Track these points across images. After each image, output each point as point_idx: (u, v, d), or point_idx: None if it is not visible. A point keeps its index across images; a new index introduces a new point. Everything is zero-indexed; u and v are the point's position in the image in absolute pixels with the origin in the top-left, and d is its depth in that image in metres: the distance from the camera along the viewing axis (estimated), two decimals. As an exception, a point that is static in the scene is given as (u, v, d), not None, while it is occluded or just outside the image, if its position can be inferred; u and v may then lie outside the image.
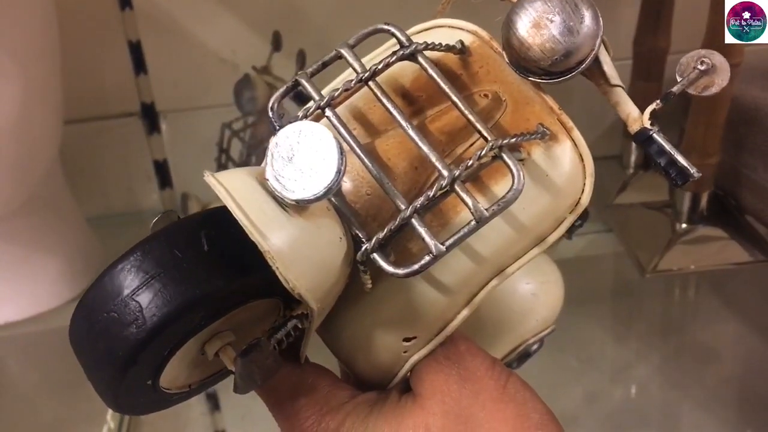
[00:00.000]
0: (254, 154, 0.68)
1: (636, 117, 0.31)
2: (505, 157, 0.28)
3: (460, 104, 0.29)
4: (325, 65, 0.31)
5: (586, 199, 0.32)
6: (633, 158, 0.90)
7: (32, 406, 0.68)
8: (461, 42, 0.32)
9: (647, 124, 0.31)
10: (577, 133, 0.32)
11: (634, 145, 0.89)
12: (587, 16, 0.29)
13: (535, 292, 0.43)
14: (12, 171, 0.66)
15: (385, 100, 0.29)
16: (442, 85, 0.30)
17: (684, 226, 0.79)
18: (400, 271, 0.27)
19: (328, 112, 0.30)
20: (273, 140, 0.26)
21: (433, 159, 0.28)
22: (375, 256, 0.27)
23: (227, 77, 0.73)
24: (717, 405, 0.65)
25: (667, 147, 0.30)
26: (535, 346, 0.44)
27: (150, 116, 0.85)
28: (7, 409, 0.68)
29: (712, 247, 0.78)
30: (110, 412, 0.59)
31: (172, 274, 0.26)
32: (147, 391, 0.28)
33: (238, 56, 0.81)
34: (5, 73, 0.61)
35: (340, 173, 0.26)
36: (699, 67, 0.31)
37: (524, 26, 0.30)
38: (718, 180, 0.77)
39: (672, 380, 0.68)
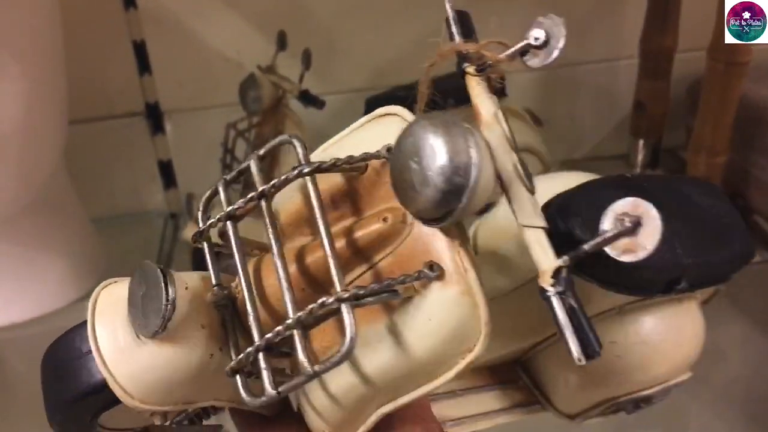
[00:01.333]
0: (259, 154, 0.68)
1: (544, 270, 0.26)
2: (344, 313, 0.26)
3: (326, 242, 0.28)
4: (240, 174, 0.31)
5: (479, 350, 0.28)
6: (640, 157, 0.90)
7: (37, 407, 0.67)
8: (389, 148, 0.30)
9: (548, 283, 0.25)
10: (471, 276, 0.28)
11: (641, 144, 0.89)
12: (444, 173, 0.25)
13: (619, 354, 0.39)
14: (17, 172, 0.66)
15: (268, 224, 0.29)
16: (318, 217, 0.28)
17: (692, 225, 0.78)
18: (248, 399, 0.28)
19: (228, 225, 0.30)
20: (134, 273, 0.29)
21: (287, 299, 0.27)
22: (236, 378, 0.28)
23: (232, 77, 0.73)
24: (723, 405, 0.65)
25: (561, 318, 0.25)
26: (649, 394, 0.41)
27: (154, 116, 0.85)
28: (12, 410, 0.68)
29: (720, 247, 0.77)
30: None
31: (72, 366, 0.31)
32: (87, 427, 0.33)
33: (243, 56, 0.81)
34: (9, 73, 0.61)
35: (164, 320, 0.28)
36: (618, 225, 0.25)
37: (393, 159, 0.27)
38: (727, 179, 0.77)
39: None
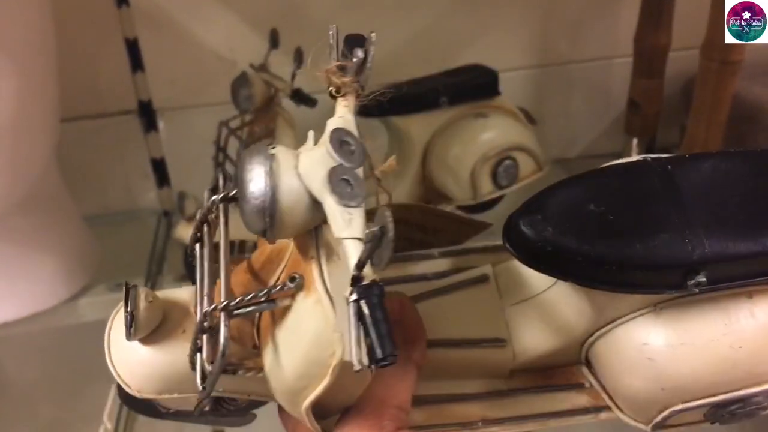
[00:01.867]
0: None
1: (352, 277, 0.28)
2: (221, 325, 0.31)
3: (222, 263, 0.33)
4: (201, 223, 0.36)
5: (339, 354, 0.30)
6: (634, 155, 0.89)
7: (28, 407, 0.67)
8: None
9: (347, 293, 0.27)
10: (319, 286, 0.31)
11: (635, 143, 0.89)
12: (245, 199, 0.29)
13: (651, 357, 0.36)
14: (8, 169, 0.65)
15: (199, 257, 0.34)
16: (222, 237, 0.33)
17: (685, 224, 0.78)
18: (198, 390, 0.32)
19: (197, 249, 0.35)
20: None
21: (198, 311, 0.32)
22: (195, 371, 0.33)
23: (225, 75, 0.73)
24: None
25: (351, 323, 0.26)
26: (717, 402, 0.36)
27: (147, 114, 0.85)
28: (4, 410, 0.68)
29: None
30: (107, 412, 0.59)
31: None
32: (147, 404, 0.40)
33: (237, 54, 0.81)
34: (1, 70, 0.61)
35: (127, 327, 0.35)
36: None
37: None
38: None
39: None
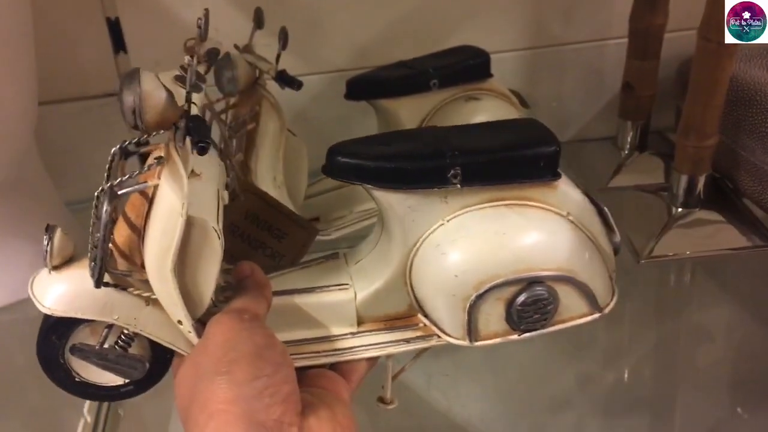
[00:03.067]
0: (235, 136, 0.66)
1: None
2: (105, 201, 0.40)
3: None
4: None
5: (188, 193, 0.40)
6: (629, 139, 0.89)
7: (11, 394, 0.66)
8: None
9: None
10: (172, 153, 0.41)
11: (629, 125, 0.88)
12: (124, 96, 0.40)
13: (444, 251, 0.47)
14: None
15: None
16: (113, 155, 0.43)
17: (680, 210, 0.77)
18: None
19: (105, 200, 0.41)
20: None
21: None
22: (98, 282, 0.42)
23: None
24: (710, 388, 0.65)
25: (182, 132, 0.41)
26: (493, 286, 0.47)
27: (130, 97, 0.83)
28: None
29: (709, 232, 0.76)
30: (87, 404, 0.58)
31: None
32: (62, 368, 0.47)
33: (222, 34, 0.79)
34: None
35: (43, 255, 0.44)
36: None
37: None
38: (716, 162, 0.76)
39: (666, 364, 0.68)
